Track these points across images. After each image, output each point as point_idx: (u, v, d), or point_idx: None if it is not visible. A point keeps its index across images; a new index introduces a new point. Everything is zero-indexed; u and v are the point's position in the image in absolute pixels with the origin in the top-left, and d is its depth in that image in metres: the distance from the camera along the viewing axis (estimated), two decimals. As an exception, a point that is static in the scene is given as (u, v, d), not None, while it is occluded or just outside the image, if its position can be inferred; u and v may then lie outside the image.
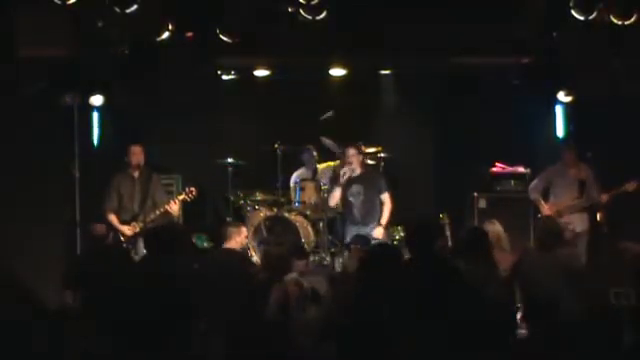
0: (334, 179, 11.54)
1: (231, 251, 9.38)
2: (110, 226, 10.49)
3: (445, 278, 7.43)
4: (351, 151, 11.25)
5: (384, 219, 11.19)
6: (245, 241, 9.62)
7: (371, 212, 11.19)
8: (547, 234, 8.68)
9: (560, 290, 8.24)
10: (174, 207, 11.08)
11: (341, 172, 11.27)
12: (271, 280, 8.40)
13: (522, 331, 8.23)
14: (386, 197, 11.24)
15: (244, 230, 9.66)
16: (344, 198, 11.28)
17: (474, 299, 7.44)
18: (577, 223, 11.25)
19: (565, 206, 11.25)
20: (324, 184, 11.93)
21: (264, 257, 9.09)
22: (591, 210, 11.31)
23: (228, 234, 9.46)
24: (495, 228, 9.57)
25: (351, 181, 11.23)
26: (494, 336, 7.53)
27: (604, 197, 11.21)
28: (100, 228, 9.90)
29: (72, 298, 9.16)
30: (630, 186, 11.08)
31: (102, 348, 8.32)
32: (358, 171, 11.27)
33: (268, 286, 8.36)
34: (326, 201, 11.70)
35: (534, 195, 11.51)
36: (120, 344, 8.21)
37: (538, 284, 8.29)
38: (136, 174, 11.20)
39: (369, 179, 11.29)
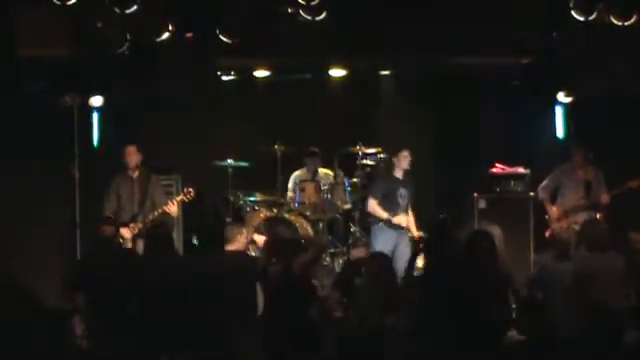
0: (377, 184, 11.31)
1: (236, 253, 9.36)
2: (117, 227, 10.47)
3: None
4: (405, 152, 11.12)
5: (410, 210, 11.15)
6: (247, 242, 9.60)
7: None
8: (600, 236, 8.75)
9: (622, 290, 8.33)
10: (172, 208, 11.07)
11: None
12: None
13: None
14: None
15: (244, 231, 9.64)
16: (393, 198, 11.06)
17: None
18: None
19: (571, 206, 11.25)
20: (324, 184, 11.93)
21: (273, 243, 9.13)
22: (597, 209, 11.27)
23: (231, 236, 9.41)
24: (495, 231, 9.56)
25: (399, 183, 11.12)
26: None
27: (604, 197, 11.20)
28: (109, 230, 9.88)
29: (79, 299, 9.17)
30: (634, 183, 11.07)
31: (108, 348, 8.35)
32: (401, 175, 11.15)
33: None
34: (327, 201, 11.74)
35: (542, 195, 11.52)
36: (125, 344, 8.24)
37: (603, 287, 8.35)
38: (135, 175, 11.18)
39: (410, 186, 11.19)
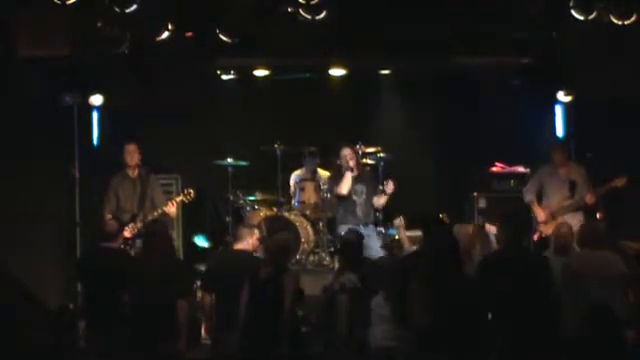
0: (342, 167, 11.20)
1: (243, 252, 9.39)
2: (122, 225, 10.46)
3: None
4: (346, 151, 11.13)
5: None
6: (257, 243, 9.64)
7: (370, 213, 11.14)
8: (593, 234, 8.81)
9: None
10: (172, 209, 11.06)
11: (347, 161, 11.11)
12: (276, 272, 8.46)
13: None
14: (381, 198, 11.16)
15: (256, 232, 9.67)
16: (347, 197, 11.09)
17: None
18: (572, 223, 11.12)
19: (558, 207, 11.13)
20: (323, 184, 11.92)
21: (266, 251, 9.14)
22: (585, 210, 11.19)
23: (241, 235, 9.46)
24: (466, 229, 9.45)
25: (353, 180, 11.13)
26: None
27: (589, 197, 11.05)
28: (112, 227, 9.87)
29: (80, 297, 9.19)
30: (619, 181, 10.94)
31: (102, 347, 8.36)
32: (356, 171, 11.18)
33: (275, 279, 8.41)
34: (327, 200, 11.72)
35: (528, 197, 11.35)
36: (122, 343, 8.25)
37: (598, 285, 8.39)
38: (134, 174, 11.14)
39: (368, 180, 11.23)
